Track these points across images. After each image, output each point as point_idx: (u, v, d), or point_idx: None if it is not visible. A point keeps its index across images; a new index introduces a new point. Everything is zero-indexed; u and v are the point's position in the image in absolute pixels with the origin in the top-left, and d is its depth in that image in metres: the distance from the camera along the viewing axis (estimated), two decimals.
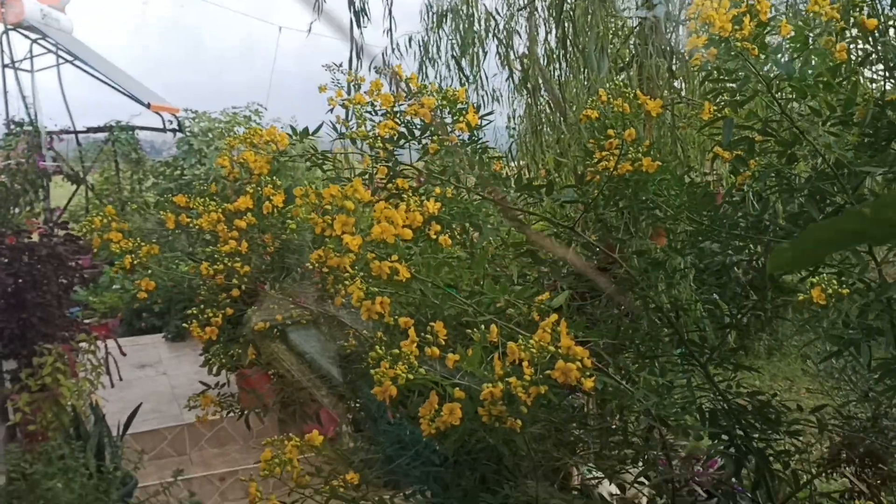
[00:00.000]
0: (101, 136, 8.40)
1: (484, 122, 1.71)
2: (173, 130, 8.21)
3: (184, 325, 2.05)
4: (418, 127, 1.75)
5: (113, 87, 7.80)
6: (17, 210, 5.90)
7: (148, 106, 7.76)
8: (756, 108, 1.61)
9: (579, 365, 1.08)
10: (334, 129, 1.72)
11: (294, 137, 1.76)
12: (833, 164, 1.51)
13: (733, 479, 2.05)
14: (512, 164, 3.89)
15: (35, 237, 4.64)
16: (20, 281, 4.17)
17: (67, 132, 7.90)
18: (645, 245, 1.80)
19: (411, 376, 1.06)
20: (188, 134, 8.02)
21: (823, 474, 2.13)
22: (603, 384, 1.36)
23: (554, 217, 1.75)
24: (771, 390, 4.68)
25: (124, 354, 4.73)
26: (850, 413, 1.96)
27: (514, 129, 3.77)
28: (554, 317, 1.12)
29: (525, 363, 1.10)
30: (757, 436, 1.75)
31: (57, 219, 4.99)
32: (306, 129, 1.77)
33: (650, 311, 1.84)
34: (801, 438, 1.81)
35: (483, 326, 1.19)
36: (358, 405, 2.35)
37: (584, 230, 1.80)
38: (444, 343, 1.12)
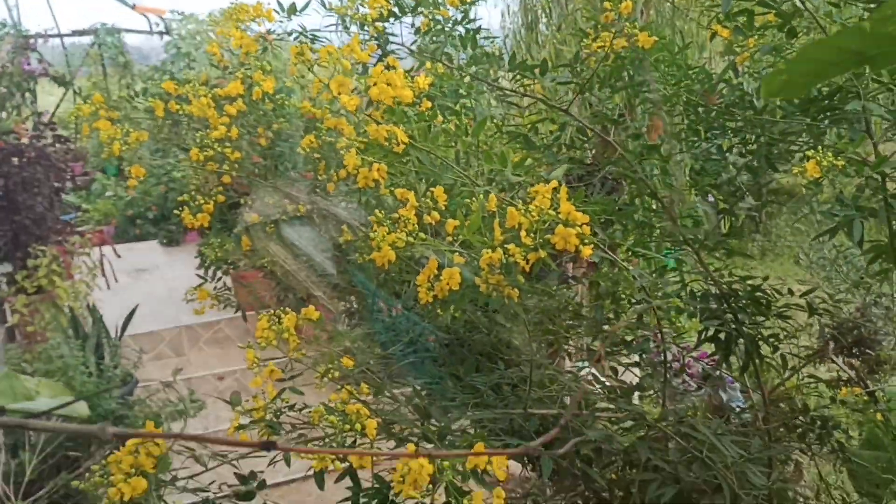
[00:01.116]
0: (87, 40, 8.20)
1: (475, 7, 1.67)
2: (160, 33, 8.02)
3: (175, 212, 2.03)
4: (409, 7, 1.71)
5: None
6: (3, 115, 5.80)
7: (133, 7, 7.55)
8: None
9: (578, 230, 1.08)
10: (323, 5, 1.68)
11: (282, 13, 1.71)
12: None
13: (723, 366, 2.09)
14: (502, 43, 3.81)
15: (24, 141, 4.59)
16: (11, 183, 4.14)
17: (52, 35, 7.70)
18: (641, 129, 1.78)
19: (411, 239, 1.06)
20: (176, 37, 7.83)
21: (812, 363, 2.18)
22: (599, 260, 1.37)
23: (548, 99, 1.72)
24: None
25: (119, 256, 4.74)
26: (840, 301, 1.99)
27: (507, 23, 3.69)
28: (553, 183, 1.11)
29: (524, 231, 1.10)
30: (747, 320, 1.77)
31: (47, 120, 4.91)
32: (293, 6, 1.72)
33: (644, 195, 1.83)
34: (790, 322, 1.83)
35: (481, 196, 1.18)
36: (353, 297, 2.37)
37: (580, 114, 1.78)
38: (443, 209, 1.11)
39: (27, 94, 5.78)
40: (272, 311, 1.33)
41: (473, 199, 1.17)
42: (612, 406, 1.50)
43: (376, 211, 1.10)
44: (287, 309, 1.33)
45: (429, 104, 1.40)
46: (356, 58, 1.07)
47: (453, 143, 1.27)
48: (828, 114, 1.54)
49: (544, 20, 3.25)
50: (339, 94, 1.07)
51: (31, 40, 6.72)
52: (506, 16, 3.76)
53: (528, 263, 1.11)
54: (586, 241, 1.11)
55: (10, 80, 5.47)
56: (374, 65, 1.76)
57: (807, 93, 1.58)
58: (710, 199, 2.00)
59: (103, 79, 8.06)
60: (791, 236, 4.47)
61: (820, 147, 1.32)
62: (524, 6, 3.40)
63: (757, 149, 1.64)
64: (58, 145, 4.37)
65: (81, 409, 0.49)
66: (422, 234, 1.07)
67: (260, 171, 2.21)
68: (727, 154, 1.63)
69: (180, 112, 2.04)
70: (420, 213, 1.12)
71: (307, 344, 1.28)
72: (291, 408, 1.25)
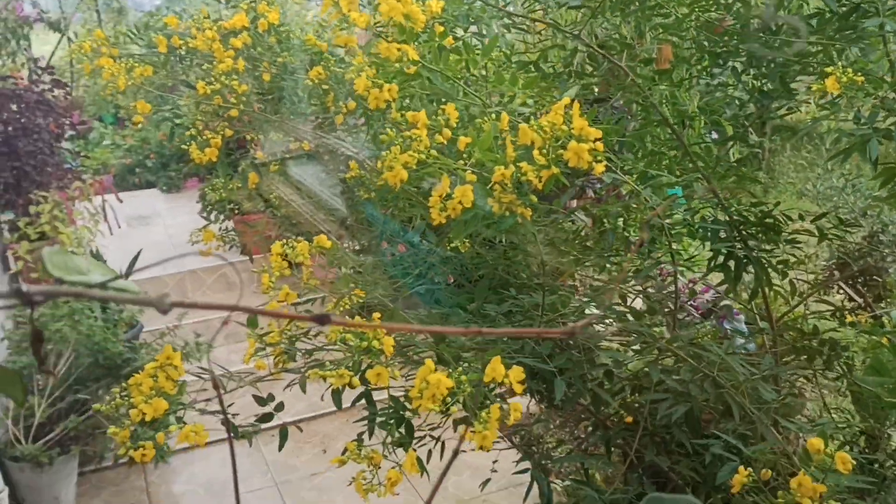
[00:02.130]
0: None
1: None
2: None
3: (182, 146, 2.01)
4: None
5: None
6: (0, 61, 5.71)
7: None
8: None
9: (591, 146, 1.07)
10: None
11: None
12: None
13: (729, 295, 2.10)
14: None
15: (23, 86, 4.53)
16: (10, 129, 4.09)
17: None
18: (651, 52, 1.76)
19: (423, 157, 1.05)
20: None
21: (819, 292, 2.18)
22: (611, 180, 1.36)
23: (559, 24, 1.69)
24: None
25: (121, 202, 4.72)
26: (849, 226, 1.98)
27: None
28: (566, 100, 1.10)
29: (536, 149, 1.09)
30: (757, 246, 1.77)
31: (44, 67, 4.83)
32: None
33: (654, 123, 1.82)
34: (799, 248, 1.83)
35: (493, 115, 1.17)
36: (361, 233, 2.37)
37: (593, 36, 1.75)
38: (455, 126, 1.10)
39: (22, 41, 5.69)
40: (285, 242, 1.33)
41: (485, 119, 1.15)
42: (622, 329, 1.50)
43: (388, 129, 1.08)
44: (300, 238, 1.32)
45: (441, 28, 1.37)
46: None
47: (464, 65, 1.25)
48: (845, 33, 1.51)
49: None
50: (349, 11, 1.05)
51: None
52: None
53: (541, 181, 1.10)
54: (599, 157, 1.10)
55: (4, 26, 5.38)
56: None
57: (822, 13, 1.55)
58: (714, 135, 1.98)
59: (98, 25, 7.94)
60: (794, 172, 4.45)
61: (839, 63, 1.30)
62: None
63: (771, 71, 1.61)
64: (56, 90, 4.31)
65: (131, 286, 0.49)
66: (433, 153, 1.06)
67: (265, 106, 2.19)
68: (741, 80, 1.60)
69: (184, 47, 2.01)
70: (431, 132, 1.10)
71: (320, 271, 1.27)
72: (306, 333, 1.26)
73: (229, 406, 1.13)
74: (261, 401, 1.15)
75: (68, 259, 0.43)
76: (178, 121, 6.14)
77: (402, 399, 1.19)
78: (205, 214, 3.41)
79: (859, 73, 1.23)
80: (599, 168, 1.11)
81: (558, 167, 1.08)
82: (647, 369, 1.44)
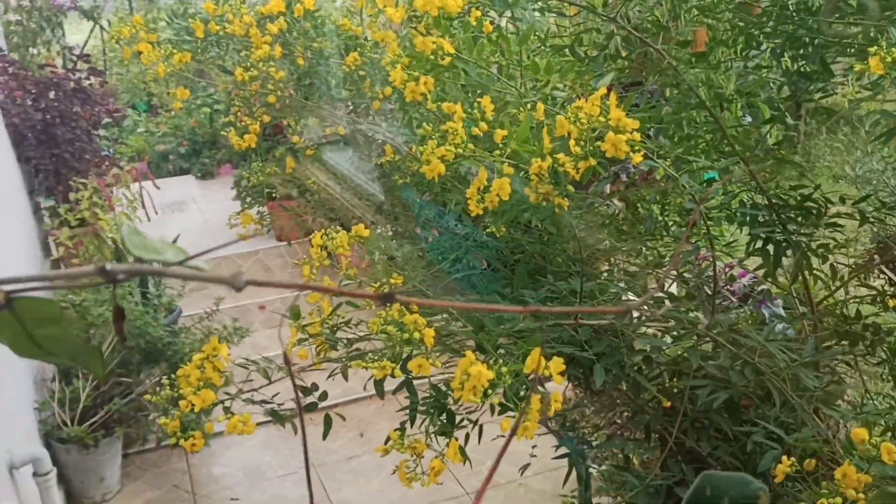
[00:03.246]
0: None
1: None
2: None
3: (222, 132, 2.03)
4: None
5: None
6: (35, 51, 5.79)
7: None
8: None
9: (629, 137, 1.06)
10: None
11: None
12: None
13: (767, 280, 2.08)
14: None
15: (60, 73, 4.60)
16: (49, 117, 4.17)
17: None
18: (687, 35, 1.73)
19: (460, 151, 1.06)
20: None
21: (860, 275, 2.15)
22: (648, 167, 1.35)
23: (594, 7, 1.68)
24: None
25: (158, 188, 4.79)
26: (891, 204, 1.95)
27: None
28: (602, 90, 1.10)
29: (573, 140, 1.09)
30: (797, 230, 1.75)
31: (80, 54, 4.90)
32: None
33: (690, 106, 1.80)
34: (840, 232, 1.81)
35: (529, 106, 1.17)
36: (398, 219, 2.38)
37: (626, 20, 1.73)
38: (491, 119, 1.10)
39: (57, 29, 5.76)
40: (323, 230, 1.34)
41: (521, 109, 1.15)
42: (661, 316, 1.50)
43: (424, 124, 1.09)
44: (338, 228, 1.34)
45: (478, 13, 1.37)
46: None
47: (500, 54, 1.25)
48: (886, 13, 1.48)
49: None
50: (385, 6, 1.05)
51: None
52: None
53: (578, 172, 1.10)
54: (636, 147, 1.09)
55: (39, 15, 5.45)
56: None
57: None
58: (749, 119, 1.96)
59: (129, 13, 8.02)
60: (830, 156, 4.36)
61: (883, 42, 1.28)
62: None
63: (810, 53, 1.59)
64: (93, 78, 4.37)
65: (203, 265, 0.51)
66: (470, 146, 1.06)
67: (301, 91, 2.20)
68: (779, 61, 1.58)
69: (221, 32, 2.03)
70: (468, 125, 1.11)
71: (357, 258, 1.29)
72: (347, 323, 1.28)
73: (274, 396, 1.15)
74: (305, 391, 1.17)
75: (145, 239, 0.45)
76: (216, 107, 6.19)
77: (442, 387, 1.20)
78: (239, 200, 3.45)
79: None
80: (637, 158, 1.10)
81: (595, 158, 1.07)
82: (686, 355, 1.44)
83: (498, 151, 1.15)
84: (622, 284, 1.60)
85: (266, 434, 3.47)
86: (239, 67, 1.86)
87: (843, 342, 1.64)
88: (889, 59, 1.19)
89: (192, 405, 1.02)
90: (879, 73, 1.20)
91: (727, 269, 2.72)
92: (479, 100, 1.10)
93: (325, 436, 1.16)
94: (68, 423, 3.17)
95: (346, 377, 1.23)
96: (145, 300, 3.66)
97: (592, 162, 1.07)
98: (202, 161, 6.55)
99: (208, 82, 2.26)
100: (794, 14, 1.60)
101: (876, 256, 2.33)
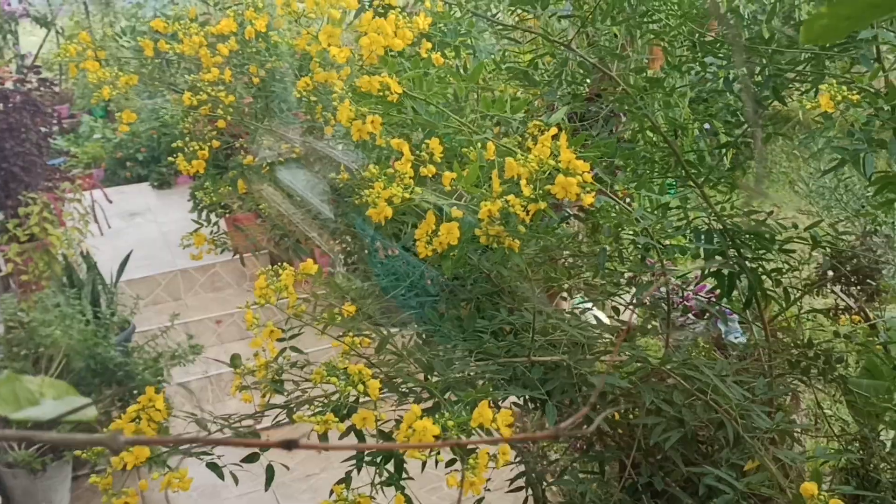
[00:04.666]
0: None
1: None
2: None
3: (170, 158, 1.99)
4: None
5: None
6: None
7: None
8: None
9: (580, 179, 1.04)
10: None
11: None
12: None
13: (724, 300, 2.08)
14: None
15: (9, 85, 4.48)
16: None
17: None
18: (643, 62, 1.73)
19: (407, 195, 1.03)
20: None
21: (811, 292, 2.17)
22: (601, 203, 1.33)
23: (549, 33, 1.66)
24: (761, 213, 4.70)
25: (110, 202, 4.68)
26: (844, 231, 1.97)
27: None
28: (553, 130, 1.08)
29: (523, 180, 1.06)
30: (750, 255, 1.75)
31: (31, 64, 4.78)
32: None
33: (646, 131, 1.79)
34: (794, 256, 1.81)
35: (479, 145, 1.14)
36: (351, 239, 2.34)
37: (581, 47, 1.72)
38: (439, 161, 1.07)
39: (9, 37, 5.62)
40: (270, 268, 1.31)
41: (471, 147, 1.13)
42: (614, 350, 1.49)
43: (371, 167, 1.06)
44: (284, 265, 1.30)
45: (429, 45, 1.34)
46: (345, 6, 1.01)
47: (450, 88, 1.22)
48: (837, 42, 1.49)
49: None
50: (329, 45, 1.02)
51: None
52: None
53: (528, 214, 1.08)
54: (588, 188, 1.07)
55: None
56: (370, 2, 1.69)
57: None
58: (708, 126, 1.96)
59: (86, 17, 7.86)
60: (787, 162, 4.42)
61: (833, 80, 1.28)
62: None
63: (764, 80, 1.59)
64: (43, 89, 4.26)
65: (90, 412, 0.47)
66: (418, 189, 1.03)
67: (254, 112, 2.16)
68: (731, 90, 1.58)
69: (171, 52, 1.98)
70: (416, 165, 1.08)
71: (307, 299, 1.25)
72: (293, 365, 1.24)
73: (213, 448, 1.11)
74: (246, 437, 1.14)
75: (18, 388, 0.40)
76: (164, 128, 6.06)
77: (390, 432, 1.17)
78: (195, 217, 3.34)
79: (853, 90, 1.21)
80: (588, 199, 1.08)
81: (546, 200, 1.05)
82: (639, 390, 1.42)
83: (448, 188, 1.13)
84: (571, 314, 1.58)
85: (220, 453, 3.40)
86: (187, 92, 1.81)
87: (796, 368, 1.64)
88: (839, 97, 1.19)
89: (125, 462, 0.97)
90: (830, 110, 1.19)
91: (683, 285, 2.73)
92: (427, 141, 1.07)
93: (266, 487, 1.12)
94: (15, 446, 3.08)
95: (291, 420, 1.20)
96: (97, 319, 3.57)
97: (542, 205, 1.04)
98: (159, 170, 6.43)
99: (163, 97, 2.21)
100: (748, 41, 1.60)
101: (829, 272, 2.35)
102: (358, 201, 1.97)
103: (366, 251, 2.07)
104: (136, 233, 5.17)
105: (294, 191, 2.45)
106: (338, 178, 2.29)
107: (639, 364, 1.38)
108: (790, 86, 1.68)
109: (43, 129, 4.29)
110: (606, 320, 2.07)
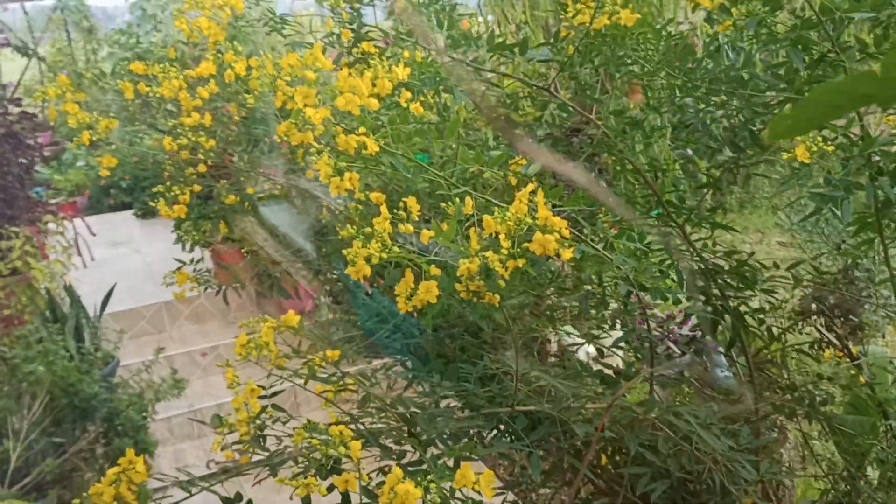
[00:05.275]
0: (49, 3, 7.98)
1: None
2: None
3: (151, 203, 1.99)
4: None
5: None
6: None
7: None
8: None
9: (557, 236, 1.04)
10: None
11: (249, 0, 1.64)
12: (818, 11, 1.44)
13: (707, 338, 2.09)
14: (480, 20, 3.73)
15: None
16: None
17: (11, 0, 7.47)
18: (622, 104, 1.74)
19: (385, 255, 1.02)
20: None
21: (794, 327, 2.17)
22: (581, 253, 1.33)
23: (528, 77, 1.67)
24: (743, 243, 4.74)
25: (94, 235, 4.66)
26: (824, 269, 1.98)
27: None
28: (531, 186, 1.08)
29: (502, 236, 1.06)
30: (732, 294, 1.76)
31: (11, 95, 4.76)
32: None
33: (627, 172, 1.80)
34: (776, 295, 1.82)
35: (458, 199, 1.14)
36: (334, 277, 2.33)
37: (559, 90, 1.73)
38: (417, 219, 1.07)
39: None
40: (251, 320, 1.30)
41: (449, 203, 1.13)
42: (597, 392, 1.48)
43: (348, 226, 1.06)
44: (266, 317, 1.29)
45: (408, 94, 1.35)
46: (320, 66, 1.01)
47: (428, 142, 1.23)
48: (812, 86, 1.50)
49: None
50: (304, 106, 1.02)
51: None
52: None
53: (507, 271, 1.08)
54: (566, 244, 1.08)
55: None
56: (349, 50, 1.70)
57: (789, 63, 1.54)
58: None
59: (68, 45, 7.86)
60: (769, 187, 4.45)
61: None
62: None
63: (741, 124, 1.60)
64: (24, 122, 4.24)
65: None
66: (395, 249, 1.03)
67: (234, 152, 2.15)
68: (710, 133, 1.59)
69: (151, 94, 1.98)
70: (394, 222, 1.08)
71: (287, 355, 1.24)
72: (276, 420, 1.23)
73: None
74: (228, 501, 1.12)
75: None
76: (143, 163, 6.06)
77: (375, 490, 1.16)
78: (178, 249, 3.33)
79: (828, 142, 1.22)
80: (567, 254, 1.08)
81: (525, 257, 1.05)
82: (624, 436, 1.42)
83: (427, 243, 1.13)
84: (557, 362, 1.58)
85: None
86: (167, 137, 1.81)
87: (782, 412, 1.65)
88: (815, 148, 1.20)
89: None
90: (806, 161, 1.20)
91: (667, 319, 2.74)
92: (404, 199, 1.07)
93: None
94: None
95: (275, 478, 1.18)
96: (80, 354, 3.53)
97: (521, 263, 1.04)
98: (143, 199, 6.41)
99: (151, 127, 2.21)
100: (725, 84, 1.61)
101: (814, 305, 2.35)
102: (338, 241, 1.97)
103: (348, 292, 2.07)
104: (120, 264, 5.14)
105: (277, 228, 2.45)
106: (320, 217, 2.29)
107: (622, 411, 1.38)
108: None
109: (24, 161, 4.27)
110: (593, 352, 2.07)
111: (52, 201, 5.74)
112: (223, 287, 2.69)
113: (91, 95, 2.51)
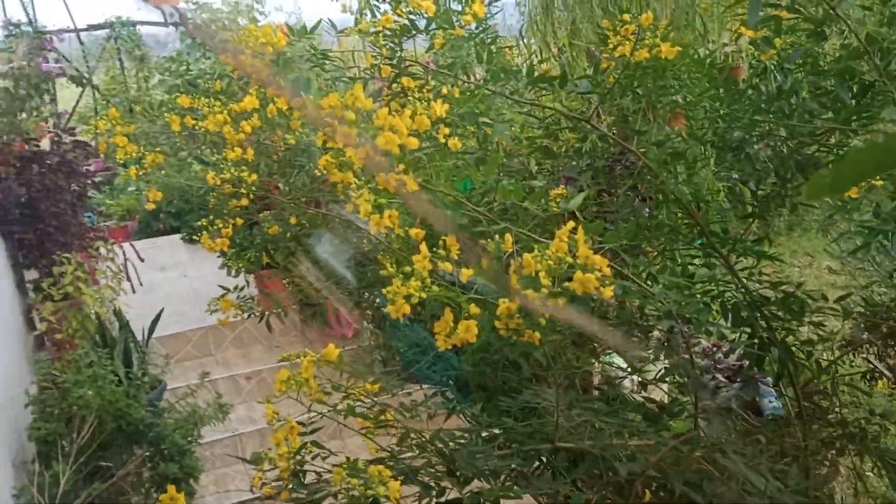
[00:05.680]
0: (103, 33, 8.21)
1: (491, 13, 1.62)
2: (175, 24, 8.00)
3: (194, 237, 2.02)
4: (424, 17, 1.66)
5: None
6: (24, 115, 5.79)
7: (147, 1, 7.53)
8: None
9: (598, 275, 1.03)
10: (333, 26, 1.63)
11: (292, 37, 1.67)
12: (865, 41, 1.41)
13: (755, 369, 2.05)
14: (522, 45, 3.73)
15: (45, 143, 4.60)
16: (33, 191, 4.14)
17: (68, 31, 7.70)
18: (664, 134, 1.72)
19: (424, 294, 1.02)
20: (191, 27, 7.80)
21: (844, 357, 2.12)
22: (623, 289, 1.32)
23: (568, 109, 1.67)
24: (792, 267, 4.65)
25: (142, 260, 4.75)
26: (874, 300, 1.93)
27: (524, 6, 3.59)
28: (571, 224, 1.07)
29: (542, 274, 1.06)
30: (780, 326, 1.72)
31: (65, 123, 4.90)
32: (304, 27, 1.68)
33: (670, 203, 1.78)
34: (825, 326, 1.78)
35: (497, 236, 1.14)
36: (376, 306, 2.34)
37: (600, 121, 1.72)
38: (457, 257, 1.07)
39: (45, 95, 5.77)
40: (293, 353, 1.31)
41: (489, 241, 1.12)
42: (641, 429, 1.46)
43: (387, 265, 1.06)
44: (307, 351, 1.30)
45: (446, 130, 1.35)
46: (361, 106, 1.02)
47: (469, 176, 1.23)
48: (860, 115, 1.47)
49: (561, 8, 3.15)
50: (345, 146, 1.03)
51: (47, 38, 6.72)
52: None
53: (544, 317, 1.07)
54: (607, 282, 1.06)
55: (28, 82, 5.45)
56: (390, 84, 1.72)
57: (836, 94, 1.52)
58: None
59: (121, 73, 8.08)
60: (818, 210, 4.35)
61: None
62: None
63: (787, 153, 1.58)
64: (78, 150, 4.36)
65: None
66: (434, 288, 1.03)
67: (278, 182, 2.18)
68: (756, 168, 1.56)
69: (196, 127, 2.02)
70: (433, 260, 1.08)
71: (327, 391, 1.25)
72: (315, 456, 1.23)
73: None
74: None
75: None
76: (188, 192, 6.19)
77: None
78: (223, 275, 3.40)
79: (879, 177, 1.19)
80: (608, 293, 1.07)
81: (566, 296, 1.04)
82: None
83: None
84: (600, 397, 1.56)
85: None
86: (210, 171, 1.84)
87: (832, 448, 1.60)
88: (864, 183, 1.17)
89: None
90: (853, 196, 1.18)
91: (713, 348, 2.69)
92: (444, 238, 1.07)
93: None
94: None
95: None
96: (129, 378, 3.59)
97: (561, 302, 1.03)
98: (190, 224, 6.52)
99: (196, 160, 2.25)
100: (770, 113, 1.59)
101: (865, 335, 2.29)
102: (378, 272, 1.98)
103: (388, 322, 2.07)
104: (167, 287, 5.23)
105: (319, 257, 2.47)
106: (361, 247, 2.31)
107: (666, 449, 1.35)
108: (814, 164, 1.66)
109: (77, 188, 4.39)
110: (636, 378, 2.03)
111: (105, 224, 5.89)
112: (266, 314, 2.72)
113: (141, 126, 2.57)
